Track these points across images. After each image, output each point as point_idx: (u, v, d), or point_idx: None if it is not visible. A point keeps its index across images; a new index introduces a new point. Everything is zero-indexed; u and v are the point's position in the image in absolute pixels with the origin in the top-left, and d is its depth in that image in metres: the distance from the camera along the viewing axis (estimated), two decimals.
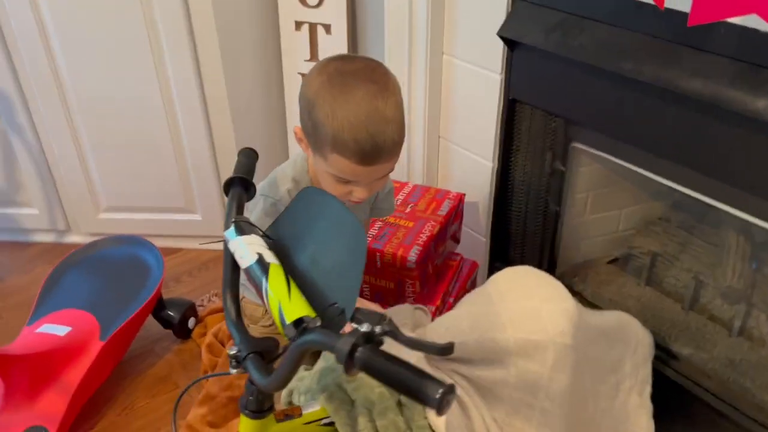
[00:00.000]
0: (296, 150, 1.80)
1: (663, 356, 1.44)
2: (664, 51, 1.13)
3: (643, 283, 1.64)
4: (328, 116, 0.97)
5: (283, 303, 0.77)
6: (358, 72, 1.00)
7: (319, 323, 0.75)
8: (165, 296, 1.84)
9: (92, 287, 1.71)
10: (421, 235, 1.47)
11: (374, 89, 0.98)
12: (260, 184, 1.19)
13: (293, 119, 2.03)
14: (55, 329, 1.58)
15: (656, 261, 1.63)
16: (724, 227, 1.52)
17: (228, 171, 2.06)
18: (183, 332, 1.84)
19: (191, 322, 1.85)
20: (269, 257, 0.84)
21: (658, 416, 1.35)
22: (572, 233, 1.65)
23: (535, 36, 1.33)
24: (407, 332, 1.16)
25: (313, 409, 0.98)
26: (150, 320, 1.81)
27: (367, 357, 0.66)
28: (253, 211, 1.18)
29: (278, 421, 0.94)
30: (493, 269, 1.77)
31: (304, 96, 1.03)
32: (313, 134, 1.02)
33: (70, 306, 1.66)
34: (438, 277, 1.58)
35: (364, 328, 0.69)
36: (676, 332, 1.50)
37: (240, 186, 0.98)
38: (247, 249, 0.86)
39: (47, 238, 2.28)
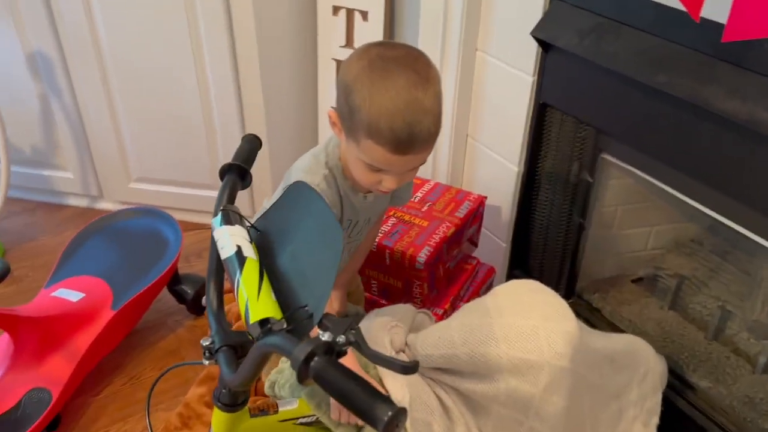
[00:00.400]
0: (326, 135, 1.77)
1: (678, 386, 1.36)
2: (701, 65, 1.05)
3: (667, 307, 1.56)
4: (365, 101, 0.94)
5: (251, 301, 0.75)
6: (400, 60, 0.96)
7: (284, 326, 0.73)
8: (185, 271, 1.85)
9: (110, 256, 1.74)
10: (434, 236, 1.43)
11: (415, 78, 0.94)
12: (293, 170, 1.16)
13: (325, 104, 2.01)
14: (69, 294, 1.61)
15: (683, 285, 1.55)
16: (758, 256, 1.43)
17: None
18: (196, 308, 1.85)
19: (205, 299, 1.86)
20: (248, 251, 0.81)
21: None
22: (597, 247, 1.58)
23: (569, 39, 1.27)
24: (402, 335, 1.12)
25: (291, 407, 0.96)
26: (165, 293, 1.83)
27: (321, 368, 0.63)
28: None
29: (252, 416, 0.93)
30: (511, 276, 1.72)
31: (342, 80, 0.99)
32: (349, 119, 0.99)
33: (87, 273, 1.69)
34: (450, 280, 1.54)
35: (326, 337, 0.66)
36: (695, 362, 1.42)
37: (236, 173, 0.95)
38: (229, 240, 0.84)
39: (80, 202, 2.33)
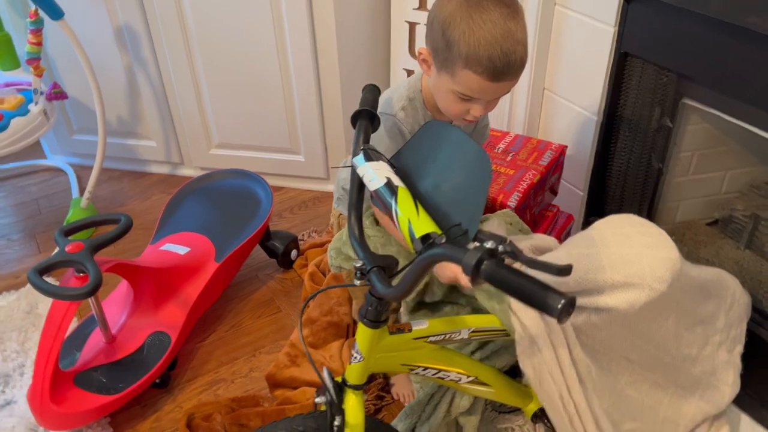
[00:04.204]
0: None
1: (758, 318, 1.44)
2: None
3: (743, 247, 1.63)
4: (464, 34, 1.04)
5: (413, 220, 0.85)
6: None
7: (444, 240, 0.83)
8: (270, 229, 1.97)
9: (208, 214, 1.86)
10: (522, 183, 1.51)
11: (507, 12, 1.05)
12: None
13: (397, 66, 2.09)
14: (176, 248, 1.74)
15: (758, 225, 1.61)
16: None
17: (332, 115, 2.15)
18: (285, 262, 1.97)
19: (294, 254, 1.98)
20: (397, 181, 0.91)
21: (749, 374, 1.37)
22: (673, 192, 1.65)
23: None
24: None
25: (422, 327, 1.06)
26: (255, 250, 1.95)
27: (493, 270, 0.73)
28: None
29: (391, 333, 1.03)
30: (587, 224, 1.79)
31: (437, 17, 1.09)
32: (445, 52, 1.09)
33: (189, 229, 1.82)
34: (534, 226, 1.62)
35: (489, 244, 0.76)
36: None
37: (366, 118, 1.05)
38: (375, 174, 0.94)
39: (162, 169, 2.46)
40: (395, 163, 1.00)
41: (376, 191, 0.92)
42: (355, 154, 1.00)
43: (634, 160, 1.61)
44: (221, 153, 2.32)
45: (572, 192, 1.79)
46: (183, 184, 2.02)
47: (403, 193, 0.89)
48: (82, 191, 2.33)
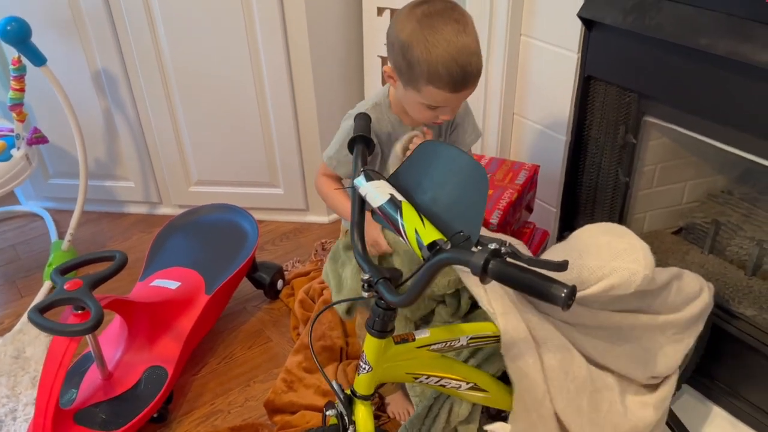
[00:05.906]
0: None
1: (725, 316, 1.54)
2: (739, 27, 1.24)
3: (707, 251, 1.74)
4: (423, 54, 1.14)
5: (419, 229, 0.92)
6: (443, 13, 1.16)
7: (449, 246, 0.90)
8: (256, 261, 2.01)
9: (196, 249, 1.90)
10: (501, 201, 1.60)
11: (458, 28, 1.14)
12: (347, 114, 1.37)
13: None
14: (167, 283, 1.76)
15: (719, 230, 1.73)
16: None
17: (309, 148, 2.22)
18: (272, 293, 2.01)
19: (280, 284, 2.02)
20: (399, 197, 0.98)
21: (717, 366, 1.46)
22: (639, 204, 1.76)
23: (613, 16, 1.45)
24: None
25: (424, 336, 1.12)
26: (241, 282, 1.99)
27: (499, 268, 0.80)
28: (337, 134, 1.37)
29: (396, 343, 1.09)
30: (561, 239, 1.89)
31: (397, 39, 1.18)
32: (407, 72, 1.18)
33: (177, 264, 1.85)
34: None
35: (493, 245, 0.83)
36: (739, 296, 1.60)
37: (362, 142, 1.13)
38: (377, 192, 1.01)
39: (140, 209, 2.48)
40: (393, 183, 1.07)
41: (380, 207, 0.99)
42: (356, 176, 1.06)
43: (602, 176, 1.72)
44: (200, 190, 2.36)
45: (545, 209, 1.89)
46: (162, 223, 2.05)
47: (407, 207, 0.96)
48: (60, 235, 2.34)
